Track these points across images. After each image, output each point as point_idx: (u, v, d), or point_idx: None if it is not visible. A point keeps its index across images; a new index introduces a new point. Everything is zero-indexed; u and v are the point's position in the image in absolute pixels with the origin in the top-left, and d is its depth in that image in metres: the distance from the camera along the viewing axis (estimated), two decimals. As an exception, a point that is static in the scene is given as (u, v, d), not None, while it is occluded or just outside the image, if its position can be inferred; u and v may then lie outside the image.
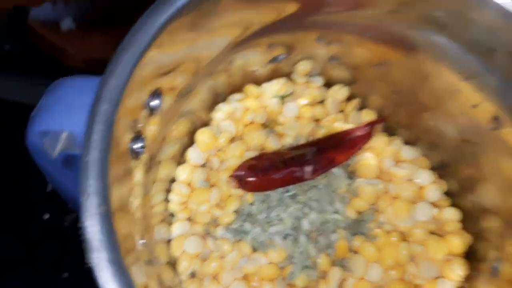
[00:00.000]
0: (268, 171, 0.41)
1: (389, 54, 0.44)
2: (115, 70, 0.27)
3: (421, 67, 0.43)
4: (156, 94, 0.33)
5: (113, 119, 0.26)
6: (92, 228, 0.23)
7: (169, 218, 0.43)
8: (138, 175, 0.33)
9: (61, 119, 0.31)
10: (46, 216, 0.55)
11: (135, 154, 0.31)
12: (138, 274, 0.29)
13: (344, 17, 0.42)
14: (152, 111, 0.33)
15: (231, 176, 0.42)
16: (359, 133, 0.45)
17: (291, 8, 0.39)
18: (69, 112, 0.31)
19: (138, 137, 0.31)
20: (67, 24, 0.65)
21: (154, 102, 0.33)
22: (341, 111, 0.50)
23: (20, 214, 0.54)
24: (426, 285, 0.41)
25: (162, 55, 0.31)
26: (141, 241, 0.33)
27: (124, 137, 0.29)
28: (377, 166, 0.45)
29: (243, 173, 0.41)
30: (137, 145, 0.31)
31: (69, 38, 0.63)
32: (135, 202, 0.33)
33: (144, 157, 0.34)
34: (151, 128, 0.34)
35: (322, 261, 0.40)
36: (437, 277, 0.41)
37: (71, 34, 0.64)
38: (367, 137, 0.45)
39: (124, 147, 0.29)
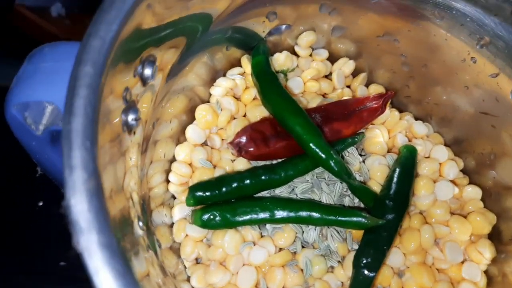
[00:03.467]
0: (270, 141, 0.38)
1: (396, 23, 0.41)
2: (98, 30, 0.24)
3: (431, 36, 0.40)
4: (148, 62, 0.30)
5: (99, 83, 0.23)
6: (79, 206, 0.20)
7: (170, 201, 0.40)
8: (134, 152, 0.30)
9: (43, 88, 0.27)
10: (40, 203, 0.52)
11: (129, 127, 0.28)
12: (137, 260, 0.26)
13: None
14: (145, 81, 0.30)
15: (231, 143, 0.39)
16: (369, 105, 0.41)
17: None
18: (51, 81, 0.27)
19: (131, 108, 0.28)
20: (56, 9, 0.63)
21: (146, 72, 0.30)
22: (348, 86, 0.47)
23: (13, 203, 0.51)
24: (451, 268, 0.38)
25: (152, 18, 0.28)
26: (140, 224, 0.30)
27: (114, 106, 0.25)
28: (387, 142, 0.42)
29: (244, 140, 0.38)
30: (130, 117, 0.28)
31: (60, 24, 0.61)
32: (131, 181, 0.29)
33: (139, 132, 0.31)
34: (145, 100, 0.31)
35: (339, 245, 0.37)
36: (463, 261, 0.38)
37: (61, 20, 0.62)
38: (377, 110, 0.41)
39: (115, 117, 0.26)
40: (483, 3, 0.35)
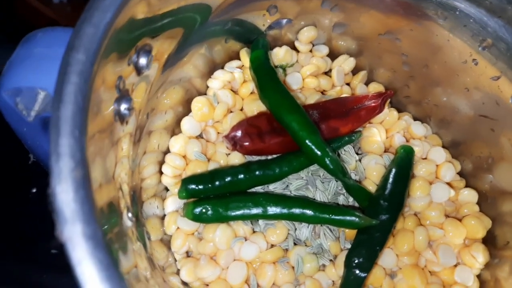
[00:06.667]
0: (266, 136, 0.37)
1: (398, 22, 0.41)
2: (92, 16, 0.23)
3: (434, 36, 0.39)
4: (144, 51, 0.29)
5: (91, 71, 0.22)
6: (64, 195, 0.19)
7: (163, 193, 0.40)
8: (125, 142, 0.30)
9: (34, 74, 0.27)
10: (33, 190, 0.51)
11: (121, 117, 0.28)
12: (123, 252, 0.26)
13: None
14: (139, 71, 0.29)
15: (226, 136, 0.38)
16: (367, 103, 0.40)
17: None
18: (43, 66, 0.27)
19: (123, 97, 0.28)
20: (58, -3, 0.63)
21: (141, 61, 0.29)
22: (348, 84, 0.47)
23: (6, 190, 0.51)
24: (443, 272, 0.38)
25: (148, 7, 0.27)
26: (129, 215, 0.29)
27: (106, 95, 0.25)
28: (385, 142, 0.42)
29: (239, 134, 0.37)
30: (123, 106, 0.28)
31: (61, 10, 0.61)
32: (122, 171, 0.29)
33: (132, 122, 0.30)
34: (139, 90, 0.30)
35: (332, 244, 0.37)
36: (456, 264, 0.38)
37: (62, 7, 0.62)
38: (375, 109, 0.41)
39: (107, 106, 0.25)
40: (487, 4, 0.35)
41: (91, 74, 0.22)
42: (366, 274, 0.34)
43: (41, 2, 0.59)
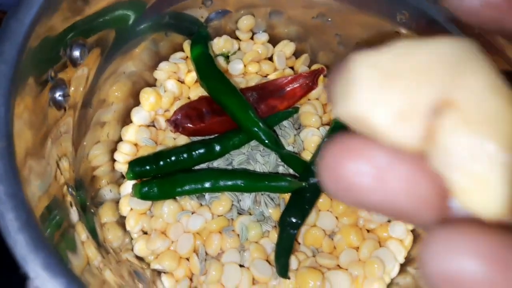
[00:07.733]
0: (206, 117, 0.41)
1: (325, 3, 0.43)
2: (18, 13, 0.27)
3: (358, 13, 0.42)
4: (77, 45, 0.32)
5: (16, 59, 0.25)
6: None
7: (120, 180, 0.43)
8: (67, 129, 0.33)
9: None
10: None
11: (57, 104, 0.31)
12: (73, 250, 0.29)
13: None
14: (74, 62, 0.32)
15: (168, 120, 0.42)
16: (302, 81, 0.44)
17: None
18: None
19: (58, 85, 0.31)
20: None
21: (75, 53, 0.32)
22: (292, 67, 0.50)
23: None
24: (379, 228, 0.41)
25: (77, 5, 0.31)
26: (74, 203, 0.32)
27: (36, 82, 0.28)
28: (323, 116, 0.45)
29: (179, 117, 0.41)
30: (57, 94, 0.31)
31: None
32: (64, 160, 0.32)
33: (71, 110, 0.33)
34: (77, 80, 0.33)
35: (273, 211, 0.40)
36: (389, 221, 0.41)
37: None
38: (309, 86, 0.44)
39: (38, 91, 0.28)
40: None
41: (16, 62, 0.26)
42: (296, 231, 0.37)
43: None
